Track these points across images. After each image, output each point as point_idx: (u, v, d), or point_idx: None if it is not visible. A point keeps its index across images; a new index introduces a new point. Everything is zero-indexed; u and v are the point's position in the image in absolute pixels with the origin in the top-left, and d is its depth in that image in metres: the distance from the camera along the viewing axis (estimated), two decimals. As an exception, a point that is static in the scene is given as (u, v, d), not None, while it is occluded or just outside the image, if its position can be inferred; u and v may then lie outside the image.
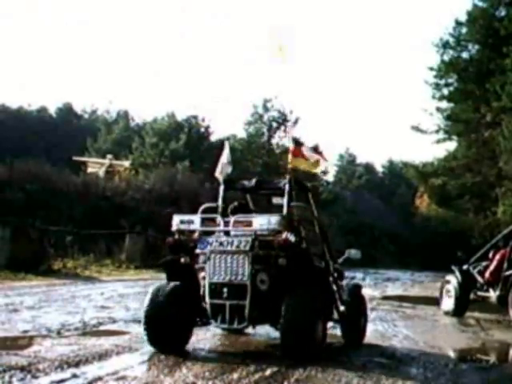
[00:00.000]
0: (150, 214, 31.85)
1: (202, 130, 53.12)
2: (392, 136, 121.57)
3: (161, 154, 48.20)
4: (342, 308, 7.25)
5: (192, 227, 6.80)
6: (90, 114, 71.66)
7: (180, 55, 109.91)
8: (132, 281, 17.52)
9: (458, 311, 12.29)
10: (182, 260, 6.73)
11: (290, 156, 7.49)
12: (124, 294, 13.08)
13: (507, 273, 11.80)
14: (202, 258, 6.54)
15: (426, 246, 56.88)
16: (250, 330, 7.28)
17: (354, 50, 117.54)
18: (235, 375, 5.24)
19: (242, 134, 52.34)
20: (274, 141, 51.21)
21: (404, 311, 12.82)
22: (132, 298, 12.55)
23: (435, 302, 15.66)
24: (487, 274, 12.32)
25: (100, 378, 4.99)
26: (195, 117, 52.69)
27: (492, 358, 7.40)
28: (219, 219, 6.73)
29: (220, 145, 43.95)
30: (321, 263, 7.04)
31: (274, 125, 51.00)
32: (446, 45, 40.68)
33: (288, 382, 5.08)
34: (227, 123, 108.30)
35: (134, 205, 32.25)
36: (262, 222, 6.42)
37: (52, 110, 66.44)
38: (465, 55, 40.75)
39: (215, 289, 6.33)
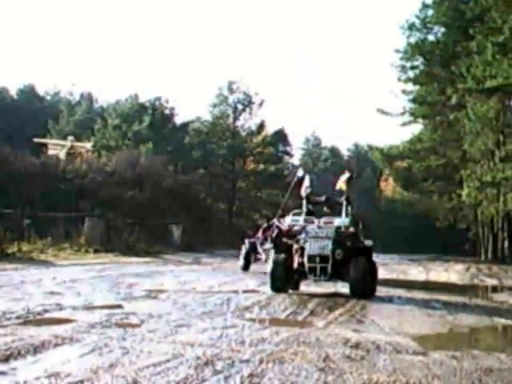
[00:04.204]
0: (112, 196, 31.15)
1: (167, 111, 52.21)
2: (358, 119, 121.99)
3: (124, 135, 47.35)
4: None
5: (299, 223, 11.35)
6: (53, 95, 70.29)
7: (145, 36, 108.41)
8: (89, 265, 16.89)
9: (245, 267, 18.39)
10: (289, 242, 11.17)
11: (343, 184, 12.34)
12: (77, 279, 12.46)
13: (266, 246, 17.16)
14: (302, 241, 10.88)
15: (391, 229, 57.00)
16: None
17: (320, 32, 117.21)
18: (180, 376, 4.69)
19: (206, 116, 51.56)
20: (239, 123, 50.57)
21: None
22: (86, 282, 11.95)
23: (401, 284, 15.51)
24: (259, 246, 18.45)
25: (30, 375, 4.40)
26: (159, 98, 51.79)
27: (462, 345, 6.97)
28: (315, 219, 11.39)
29: (185, 127, 43.29)
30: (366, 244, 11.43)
31: (240, 107, 50.32)
32: (412, 27, 40.50)
33: (241, 376, 4.55)
34: (192, 105, 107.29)
35: (95, 187, 31.50)
36: (339, 222, 11.26)
37: (13, 92, 64.93)
38: (431, 38, 40.69)
39: (311, 258, 10.65)
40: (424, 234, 53.23)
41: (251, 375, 4.56)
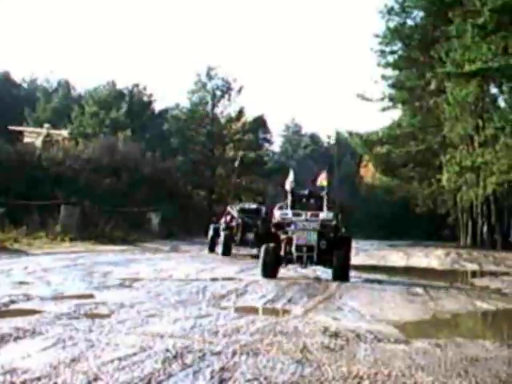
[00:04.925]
0: (89, 184, 30.64)
1: (145, 98, 51.65)
2: (338, 107, 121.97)
3: (101, 123, 46.68)
4: None
5: (287, 217, 12.12)
6: (30, 83, 69.13)
7: (122, 22, 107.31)
8: (63, 253, 16.48)
9: (211, 249, 20.50)
10: (278, 233, 12.23)
11: (324, 180, 13.52)
12: (49, 268, 12.05)
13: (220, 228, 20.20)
14: (290, 232, 11.93)
15: (371, 215, 57.01)
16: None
17: (299, 17, 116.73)
18: (145, 371, 4.38)
19: (185, 102, 50.92)
20: (218, 110, 50.02)
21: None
22: (58, 271, 11.55)
23: (382, 270, 15.36)
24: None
25: (-16, 372, 4.07)
26: (137, 85, 51.18)
27: (445, 332, 6.73)
28: (303, 212, 12.09)
29: (163, 114, 42.75)
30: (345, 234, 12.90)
31: (218, 93, 49.75)
32: (391, 11, 40.15)
33: (211, 371, 4.25)
34: (171, 91, 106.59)
35: (71, 175, 30.96)
36: (324, 215, 12.08)
37: (-12, 79, 63.65)
38: (410, 22, 40.40)
39: (299, 247, 11.80)
40: (404, 220, 53.23)
41: (222, 369, 4.25)
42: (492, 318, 8.62)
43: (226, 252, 19.00)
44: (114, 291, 9.01)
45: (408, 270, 16.69)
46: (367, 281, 12.42)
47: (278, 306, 8.14)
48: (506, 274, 16.13)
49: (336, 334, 5.88)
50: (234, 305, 8.00)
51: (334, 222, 12.25)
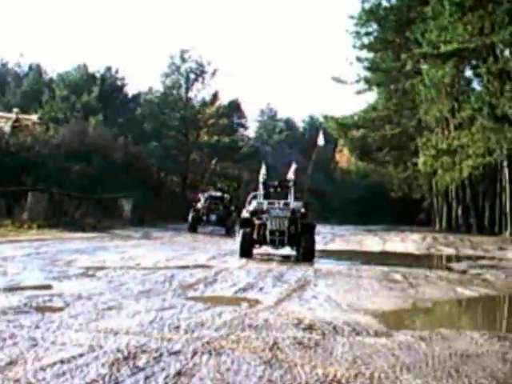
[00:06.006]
0: (58, 170, 29.81)
1: (117, 82, 50.60)
2: (313, 91, 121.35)
3: (72, 107, 45.57)
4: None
5: (263, 206, 13.77)
6: (0, 67, 67.63)
7: (94, 3, 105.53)
8: (28, 241, 15.74)
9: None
10: (254, 219, 13.70)
11: (292, 174, 15.35)
12: (9, 257, 11.35)
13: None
14: (265, 218, 13.55)
15: (346, 201, 56.68)
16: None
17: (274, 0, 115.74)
18: (88, 378, 3.81)
19: (158, 86, 49.92)
20: (192, 93, 49.13)
21: (324, 267, 11.80)
22: (18, 260, 10.88)
23: (358, 256, 14.97)
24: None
25: None
26: (109, 68, 50.07)
27: (429, 323, 6.25)
28: (276, 202, 14.03)
29: (136, 98, 41.78)
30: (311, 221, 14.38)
31: (192, 76, 48.85)
32: (366, -8, 39.56)
33: (165, 376, 3.69)
34: (144, 75, 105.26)
35: (40, 161, 30.04)
36: (294, 204, 13.89)
37: (-43, 64, 62.05)
38: (385, 3, 39.86)
39: (272, 232, 13.42)
40: (379, 205, 52.93)
41: (179, 374, 3.69)
42: (476, 306, 8.18)
43: (192, 229, 23.65)
44: (74, 281, 8.42)
45: (385, 255, 16.30)
46: (343, 267, 11.97)
47: (249, 295, 7.62)
48: (483, 258, 15.86)
49: (310, 327, 5.37)
50: (202, 295, 7.46)
51: (302, 210, 13.92)
